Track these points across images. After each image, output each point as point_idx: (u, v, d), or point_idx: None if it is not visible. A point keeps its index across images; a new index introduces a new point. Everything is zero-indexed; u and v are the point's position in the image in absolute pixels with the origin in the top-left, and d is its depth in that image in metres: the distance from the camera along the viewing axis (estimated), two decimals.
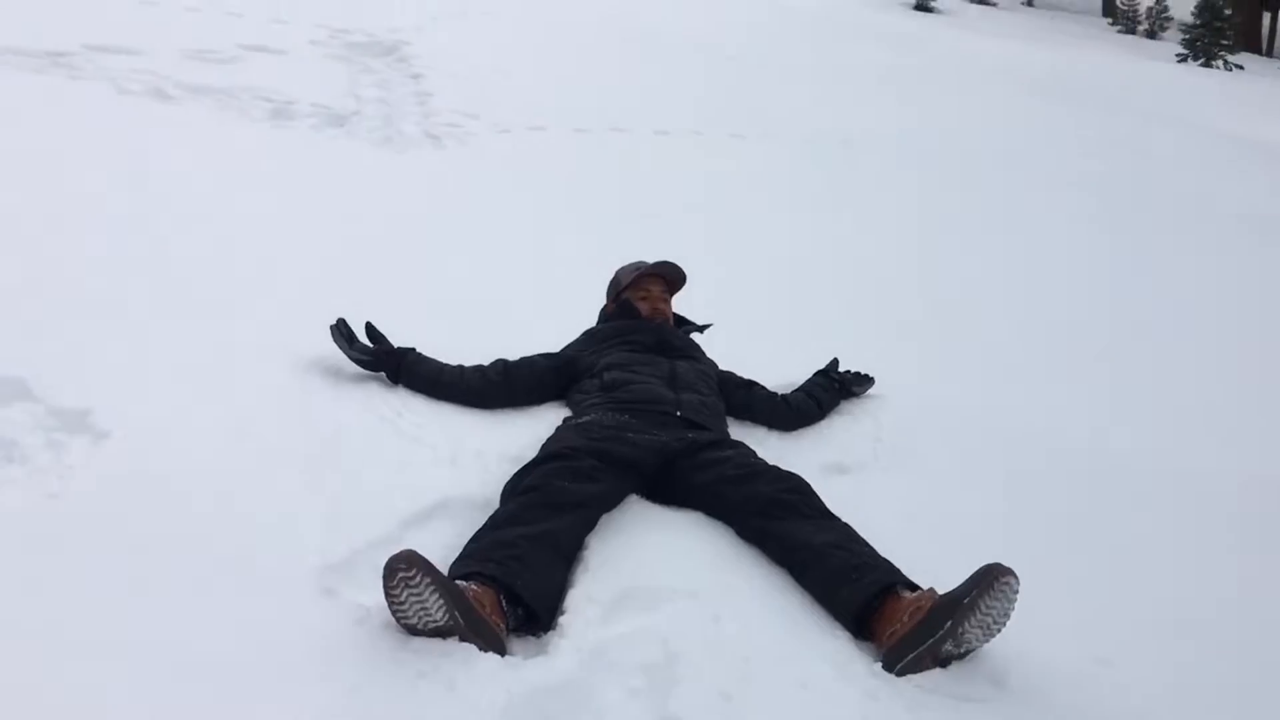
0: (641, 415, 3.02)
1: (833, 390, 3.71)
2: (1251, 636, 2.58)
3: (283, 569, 2.23)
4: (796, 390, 3.69)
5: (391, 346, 3.26)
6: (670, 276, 3.82)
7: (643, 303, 3.71)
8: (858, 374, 3.83)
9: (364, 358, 3.21)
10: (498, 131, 7.28)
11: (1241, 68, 22.58)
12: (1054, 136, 10.40)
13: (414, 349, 3.28)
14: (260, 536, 2.34)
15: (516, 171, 6.52)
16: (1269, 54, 27.46)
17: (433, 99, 7.70)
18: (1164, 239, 7.12)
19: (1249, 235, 7.53)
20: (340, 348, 3.20)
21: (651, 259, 3.82)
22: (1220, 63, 22.51)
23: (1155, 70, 19.01)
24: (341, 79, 7.79)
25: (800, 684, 2.13)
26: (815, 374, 3.78)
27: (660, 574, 2.44)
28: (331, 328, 3.22)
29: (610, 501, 2.70)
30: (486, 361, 3.37)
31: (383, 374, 3.25)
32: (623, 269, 3.83)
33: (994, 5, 28.01)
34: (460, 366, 3.30)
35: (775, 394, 3.61)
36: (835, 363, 3.83)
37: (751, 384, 3.60)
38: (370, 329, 3.27)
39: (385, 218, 5.14)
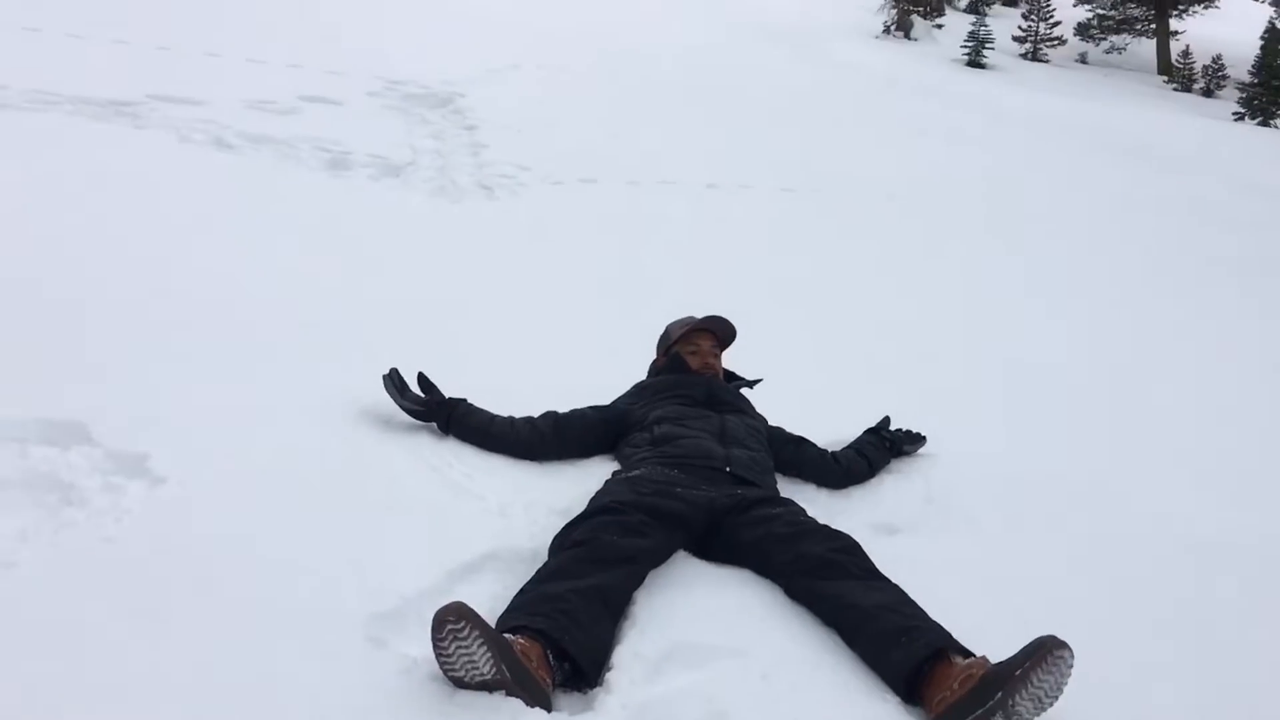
0: (691, 470, 3.01)
1: (883, 449, 3.69)
2: None
3: (332, 618, 2.24)
4: (847, 448, 3.67)
5: (443, 397, 3.28)
6: (720, 332, 3.82)
7: (692, 357, 3.72)
8: (909, 432, 3.80)
9: (415, 408, 3.24)
10: (550, 183, 7.37)
11: None
12: (1109, 194, 10.36)
13: (465, 400, 3.30)
14: (310, 585, 2.35)
15: (568, 223, 6.60)
16: None
17: (487, 150, 7.83)
18: (1227, 300, 7.04)
19: None
20: (392, 397, 3.23)
21: (702, 313, 3.83)
22: (1278, 121, 22.29)
23: (1212, 128, 18.87)
24: (398, 130, 7.95)
25: None
26: (866, 432, 3.76)
27: (708, 631, 2.42)
28: (384, 377, 3.26)
29: (659, 557, 2.68)
30: (537, 413, 3.38)
31: (434, 424, 3.27)
32: (673, 323, 3.85)
33: (1047, 62, 28.00)
34: (511, 418, 3.31)
35: (825, 451, 3.59)
36: (886, 420, 3.81)
37: (801, 440, 3.58)
38: (422, 379, 3.30)
39: (440, 267, 5.22)
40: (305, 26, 10.78)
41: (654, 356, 3.88)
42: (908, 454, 3.76)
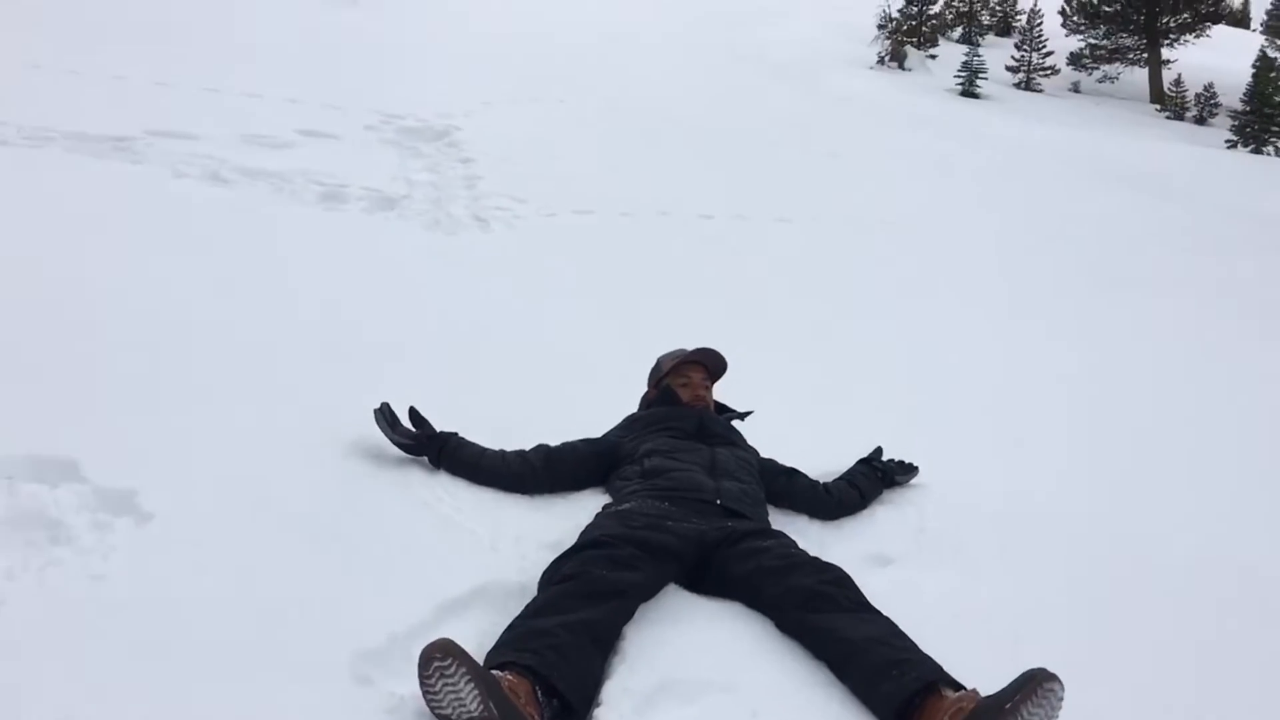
0: (681, 503, 3.01)
1: (875, 479, 3.69)
2: None
3: (318, 655, 2.23)
4: (839, 479, 3.67)
5: (434, 431, 3.28)
6: (711, 364, 3.83)
7: (683, 389, 3.73)
8: (901, 463, 3.81)
9: (406, 442, 3.24)
10: (545, 215, 7.40)
11: None
12: (1105, 222, 10.39)
13: (456, 433, 3.30)
14: (297, 621, 2.34)
15: (563, 255, 6.61)
16: None
17: (481, 182, 7.86)
18: (1227, 326, 7.05)
19: None
20: (383, 431, 3.23)
21: (694, 345, 3.84)
22: (1271, 149, 22.40)
23: (1206, 156, 18.98)
24: (393, 163, 7.98)
25: None
26: (858, 462, 3.76)
27: (698, 666, 2.41)
28: (375, 411, 3.26)
29: (649, 591, 2.68)
30: (529, 445, 3.38)
31: (425, 458, 3.27)
32: (664, 356, 3.86)
33: (1040, 92, 28.18)
34: (502, 451, 3.31)
35: (817, 482, 3.60)
36: (879, 451, 3.81)
37: (793, 471, 3.58)
38: (413, 413, 3.30)
39: (434, 299, 5.23)
40: (304, 61, 10.84)
41: (645, 389, 3.89)
42: (900, 484, 3.76)
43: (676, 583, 2.79)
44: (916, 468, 3.82)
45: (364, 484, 3.07)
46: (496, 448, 3.32)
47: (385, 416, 3.25)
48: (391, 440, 3.23)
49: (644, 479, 3.18)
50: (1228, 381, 5.93)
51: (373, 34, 13.61)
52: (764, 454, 3.61)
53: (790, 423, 4.12)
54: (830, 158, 11.92)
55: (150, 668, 2.10)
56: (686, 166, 9.93)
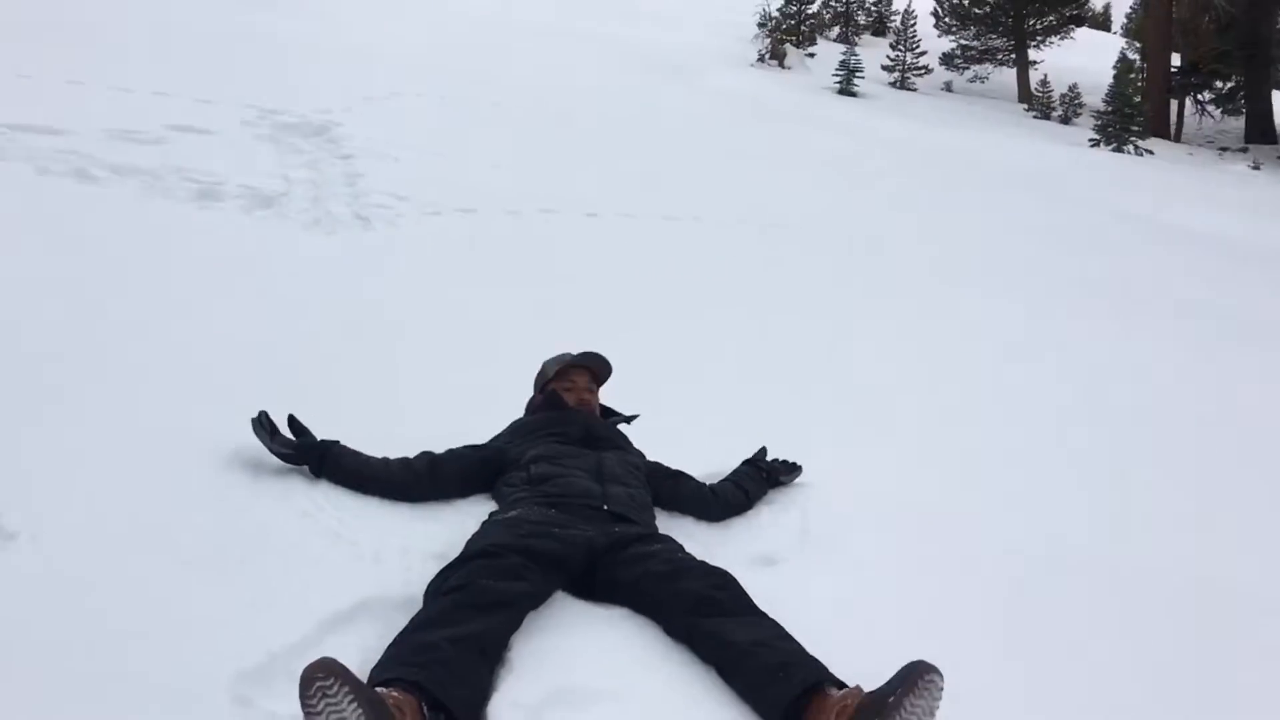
0: (568, 509, 3.00)
1: (760, 479, 3.73)
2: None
3: (195, 677, 2.16)
4: (724, 480, 3.70)
5: (315, 439, 3.21)
6: (596, 368, 3.83)
7: (568, 394, 3.72)
8: (785, 462, 3.86)
9: (286, 451, 3.15)
10: (428, 213, 7.29)
11: (1151, 153, 23.46)
12: (977, 218, 10.69)
13: (338, 442, 3.23)
14: (172, 642, 2.27)
15: (446, 254, 6.52)
16: (1177, 139, 28.55)
17: (363, 180, 7.70)
18: (1101, 326, 7.30)
19: (1184, 320, 7.78)
20: (262, 440, 3.14)
21: (579, 349, 3.83)
22: (1131, 148, 23.34)
23: (1073, 155, 19.70)
24: (270, 159, 7.76)
25: None
26: (743, 463, 3.80)
27: (586, 675, 2.41)
28: (253, 421, 3.16)
29: (537, 600, 2.66)
30: (413, 453, 3.33)
31: (305, 468, 3.19)
32: (548, 361, 3.85)
33: (915, 90, 28.89)
34: (385, 459, 3.25)
35: (703, 485, 3.62)
36: (763, 451, 3.86)
37: (679, 474, 3.60)
38: (293, 421, 3.22)
39: (314, 299, 5.10)
40: (173, 53, 10.49)
41: (531, 394, 3.87)
42: (785, 484, 3.81)
43: (564, 590, 2.78)
44: (800, 467, 3.88)
45: (241, 496, 2.98)
46: (380, 455, 3.26)
47: (264, 425, 3.17)
48: (270, 450, 3.15)
49: (530, 485, 3.16)
50: (1106, 376, 6.13)
51: (274, 32, 13.22)
52: (651, 457, 3.62)
53: (680, 424, 4.14)
54: (716, 154, 12.02)
55: (11, 694, 2.01)
56: (574, 164, 9.89)
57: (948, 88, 30.61)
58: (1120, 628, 3.12)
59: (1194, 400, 5.87)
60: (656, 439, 3.76)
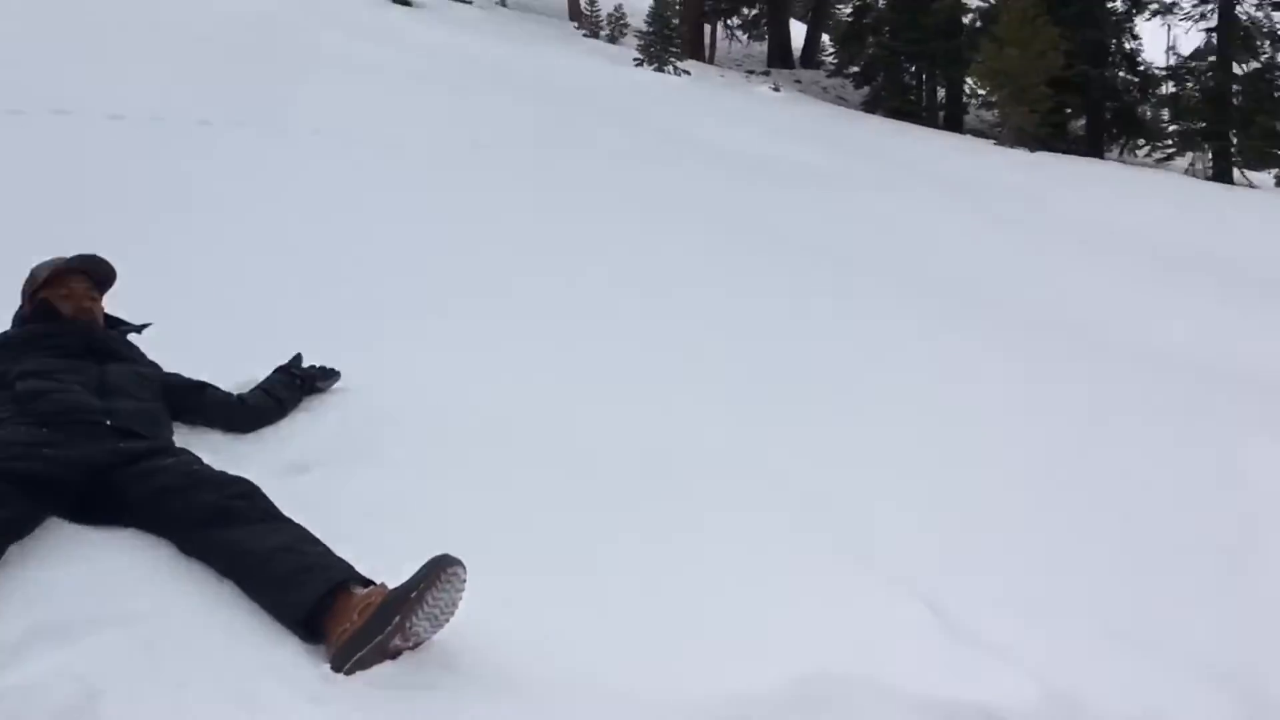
0: (63, 428, 2.68)
1: (295, 387, 3.56)
2: (686, 591, 2.74)
3: None
4: (255, 388, 3.49)
5: None
6: (97, 273, 3.40)
7: (65, 302, 3.25)
8: (323, 369, 3.70)
9: None
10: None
11: (689, 73, 25.00)
12: (505, 128, 10.80)
13: None
14: None
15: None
16: (710, 61, 30.65)
17: None
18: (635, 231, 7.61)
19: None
20: None
21: (72, 253, 3.40)
22: (670, 67, 24.72)
23: (621, 74, 20.53)
24: None
25: (242, 701, 1.99)
26: (276, 370, 3.60)
27: (82, 603, 2.18)
28: None
29: (21, 529, 2.35)
30: None
31: None
32: (39, 266, 3.34)
33: (470, 3, 28.76)
34: None
35: (230, 394, 3.40)
36: (299, 358, 3.67)
37: (203, 385, 3.34)
38: None
39: None
40: None
41: (18, 305, 3.38)
42: (321, 390, 3.66)
43: (59, 516, 2.49)
44: (338, 372, 3.73)
45: None
46: None
47: None
48: None
49: (17, 404, 2.78)
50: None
51: None
52: (171, 369, 3.33)
53: (206, 334, 3.84)
54: (272, 61, 11.28)
55: None
56: (91, 59, 8.89)
57: (503, 2, 30.74)
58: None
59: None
60: (177, 349, 3.46)
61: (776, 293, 6.38)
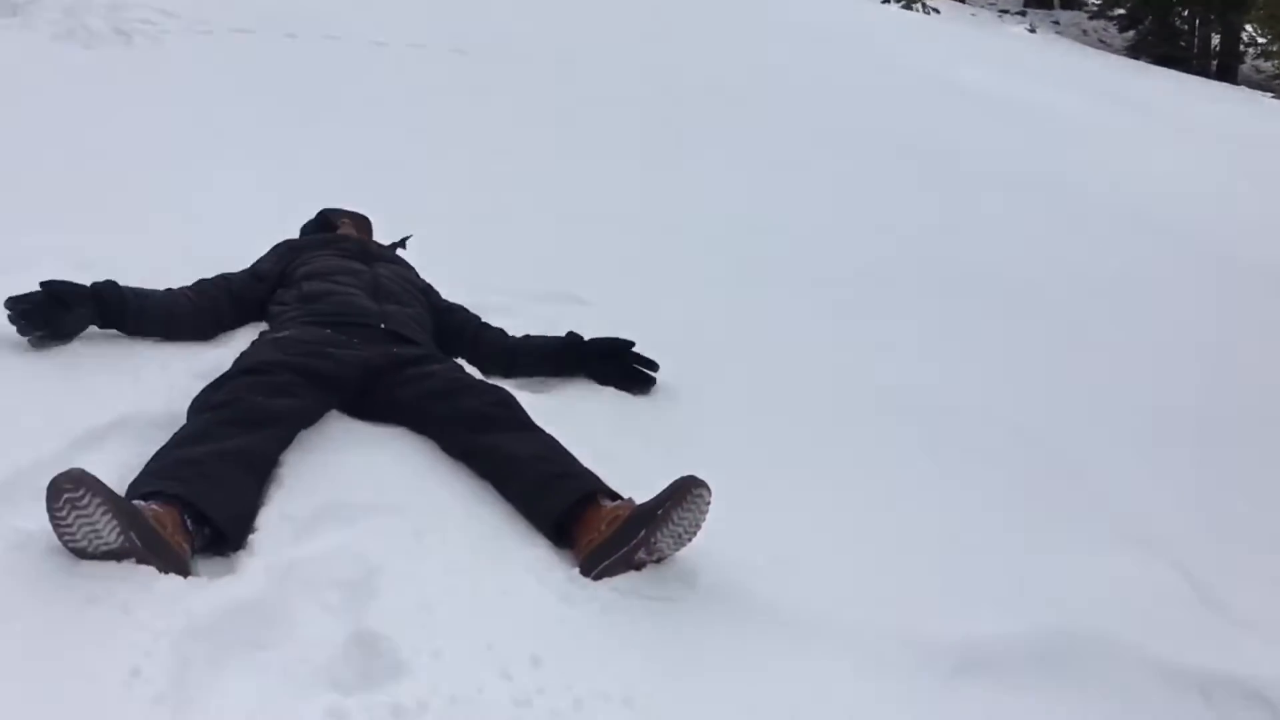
0: (344, 329, 2.91)
1: (565, 363, 3.28)
2: (911, 540, 2.74)
3: None
4: (528, 337, 3.33)
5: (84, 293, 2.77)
6: (360, 224, 3.77)
7: (342, 222, 3.65)
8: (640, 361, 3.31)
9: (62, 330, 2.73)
10: (198, 32, 6.79)
11: (938, 11, 24.06)
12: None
13: (112, 282, 2.86)
14: None
15: (215, 77, 6.10)
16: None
17: None
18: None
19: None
20: (21, 331, 2.68)
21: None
22: (919, 5, 23.87)
23: (865, 10, 19.95)
24: None
25: (500, 591, 2.14)
26: (568, 343, 3.28)
27: (361, 490, 2.38)
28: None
29: (309, 418, 2.59)
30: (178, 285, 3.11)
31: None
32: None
33: None
34: (168, 292, 3.02)
35: (501, 337, 3.33)
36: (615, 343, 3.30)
37: (454, 308, 3.40)
38: (53, 289, 2.71)
39: (66, 122, 4.70)
40: None
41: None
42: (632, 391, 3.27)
43: (340, 410, 2.72)
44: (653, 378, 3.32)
45: None
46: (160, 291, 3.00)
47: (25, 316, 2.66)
48: (33, 340, 2.71)
49: (302, 303, 3.03)
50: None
51: None
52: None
53: (448, 251, 3.99)
54: None
55: None
56: None
57: None
58: (868, 445, 3.29)
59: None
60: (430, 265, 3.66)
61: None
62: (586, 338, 3.27)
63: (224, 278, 3.21)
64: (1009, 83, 13.07)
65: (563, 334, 3.29)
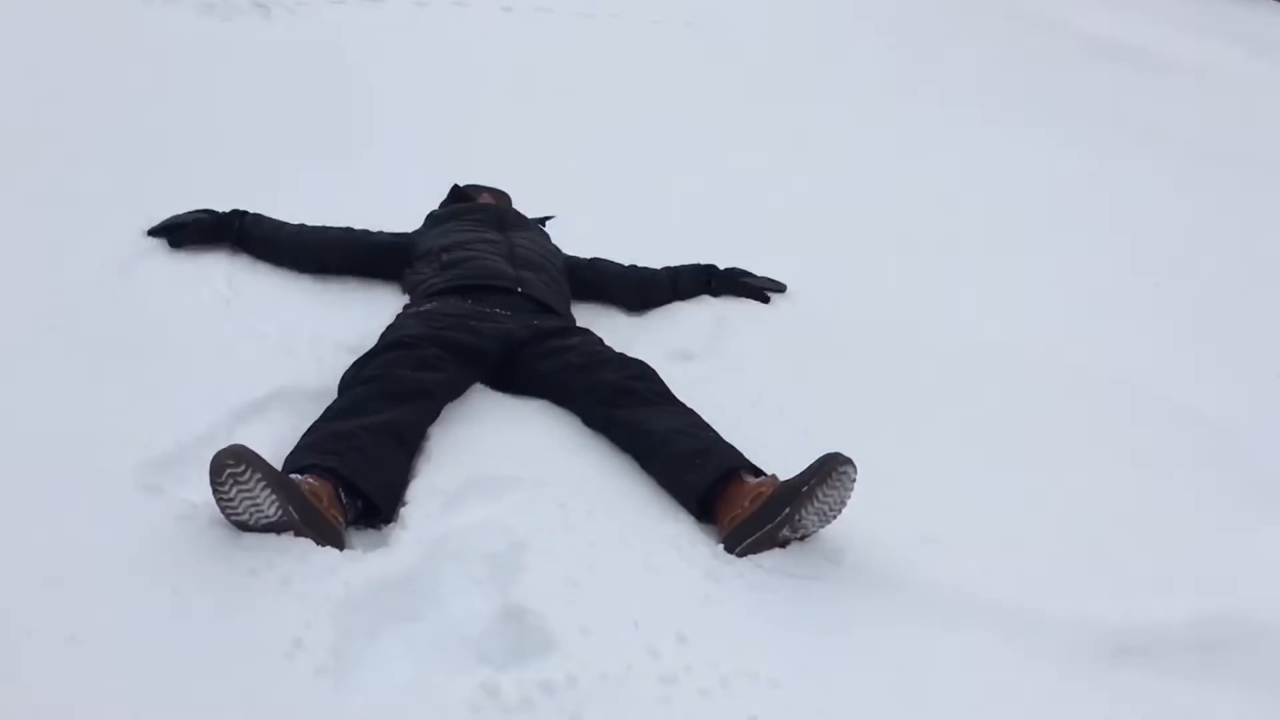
0: (483, 298, 2.94)
1: (701, 282, 3.67)
2: (1069, 518, 2.66)
3: (102, 464, 2.12)
4: (665, 268, 3.64)
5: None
6: (501, 199, 3.81)
7: (481, 195, 3.70)
8: (770, 280, 3.79)
9: (198, 233, 3.14)
10: (332, 2, 6.88)
11: None
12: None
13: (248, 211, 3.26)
14: (79, 430, 2.22)
15: (352, 47, 6.19)
16: None
17: None
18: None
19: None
20: (168, 227, 3.05)
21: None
22: None
23: None
24: None
25: (645, 567, 2.15)
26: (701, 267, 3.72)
27: (505, 463, 2.41)
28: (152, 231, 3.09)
29: (455, 390, 2.63)
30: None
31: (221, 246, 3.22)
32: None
33: None
34: (301, 226, 3.28)
35: (624, 268, 3.57)
36: (738, 271, 3.77)
37: (595, 260, 3.55)
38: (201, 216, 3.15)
39: (205, 94, 4.81)
40: None
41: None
42: (756, 295, 3.71)
43: (482, 382, 2.76)
44: (783, 285, 3.80)
45: (149, 285, 2.90)
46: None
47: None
48: (183, 233, 3.15)
49: (443, 270, 3.08)
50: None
51: None
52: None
53: (600, 229, 4.01)
54: None
55: None
56: None
57: None
58: (1011, 423, 3.19)
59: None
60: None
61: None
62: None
63: (368, 232, 3.37)
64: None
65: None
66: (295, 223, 3.28)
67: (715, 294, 3.65)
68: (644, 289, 3.54)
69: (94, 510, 2.00)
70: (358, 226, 3.40)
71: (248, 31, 6.05)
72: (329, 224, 3.37)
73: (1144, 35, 11.86)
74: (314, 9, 6.65)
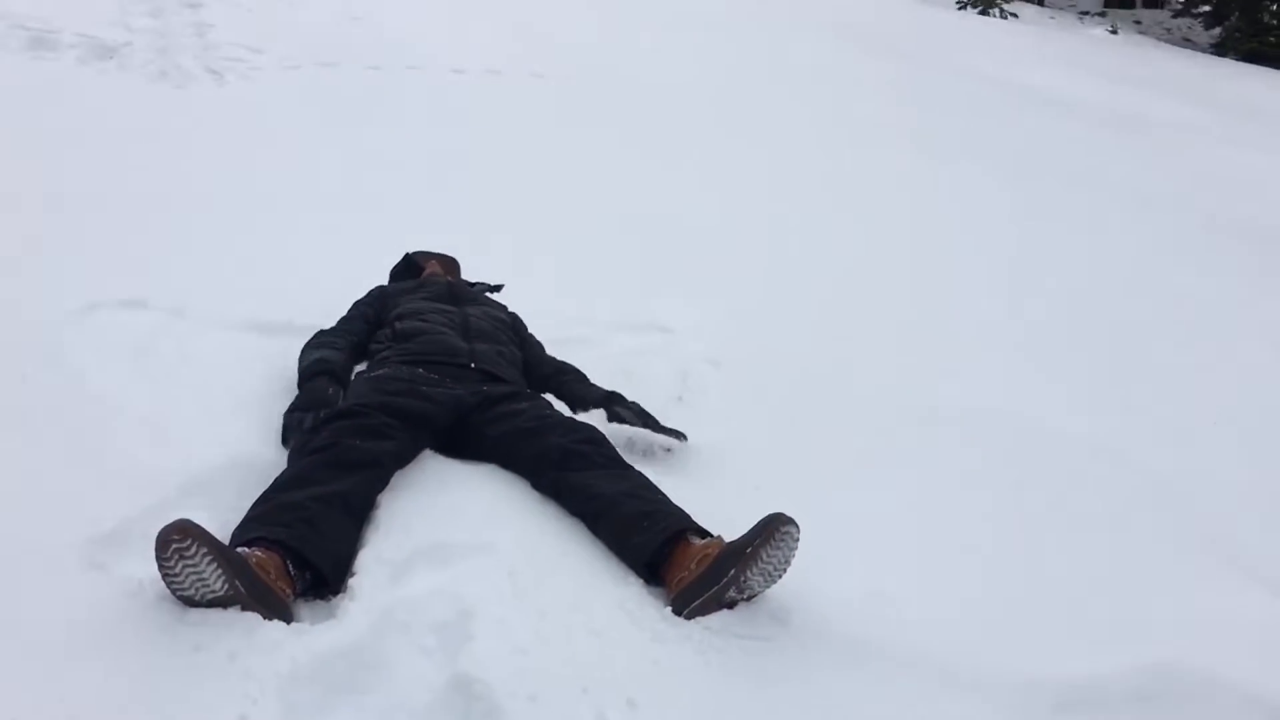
0: (435, 367, 2.96)
1: (640, 414, 3.19)
2: (1024, 567, 2.72)
3: (45, 542, 2.11)
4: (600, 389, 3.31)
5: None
6: (447, 265, 3.88)
7: (430, 264, 3.76)
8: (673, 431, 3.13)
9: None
10: (286, 67, 6.96)
11: (1016, 16, 23.67)
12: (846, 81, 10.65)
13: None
14: (21, 508, 2.20)
15: (305, 111, 6.26)
16: (1041, 3, 28.84)
17: (213, 30, 7.31)
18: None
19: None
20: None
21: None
22: (997, 10, 23.49)
23: (938, 18, 19.72)
24: (109, 6, 7.28)
25: (593, 632, 2.15)
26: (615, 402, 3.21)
27: (454, 530, 2.41)
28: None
29: (404, 458, 2.64)
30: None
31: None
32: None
33: None
34: (327, 365, 3.04)
35: (562, 365, 3.42)
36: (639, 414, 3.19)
37: (539, 346, 3.50)
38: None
39: (165, 158, 4.85)
40: None
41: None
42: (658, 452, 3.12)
43: (432, 448, 2.77)
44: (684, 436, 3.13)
45: (91, 358, 2.87)
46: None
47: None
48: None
49: (396, 342, 3.11)
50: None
51: None
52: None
53: (554, 293, 4.08)
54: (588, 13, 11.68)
55: None
56: (437, 19, 9.50)
57: None
58: (964, 471, 3.25)
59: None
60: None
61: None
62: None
63: (351, 324, 3.32)
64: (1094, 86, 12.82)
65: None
66: (317, 354, 3.07)
67: (613, 419, 3.08)
68: (555, 381, 3.32)
69: (37, 587, 1.99)
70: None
71: (201, 97, 6.10)
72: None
73: (1080, 86, 12.27)
74: (268, 74, 6.72)
